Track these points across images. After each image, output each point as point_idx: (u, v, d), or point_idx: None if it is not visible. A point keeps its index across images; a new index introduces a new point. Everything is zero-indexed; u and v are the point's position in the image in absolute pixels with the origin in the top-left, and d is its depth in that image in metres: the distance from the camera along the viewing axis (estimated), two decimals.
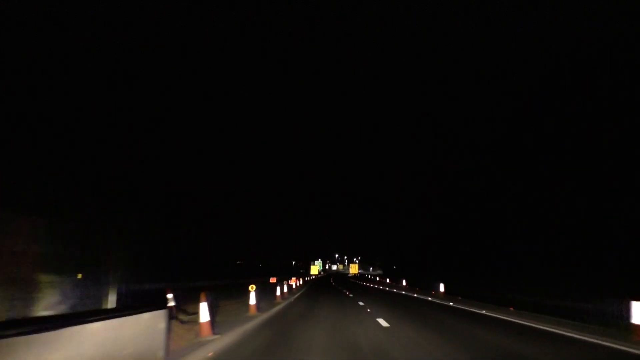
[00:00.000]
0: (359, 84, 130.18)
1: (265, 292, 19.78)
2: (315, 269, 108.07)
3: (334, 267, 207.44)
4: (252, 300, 13.12)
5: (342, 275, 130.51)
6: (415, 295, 23.90)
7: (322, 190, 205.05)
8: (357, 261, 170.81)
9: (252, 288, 13.06)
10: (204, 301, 8.19)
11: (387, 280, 49.86)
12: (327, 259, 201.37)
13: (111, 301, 9.92)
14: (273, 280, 51.23)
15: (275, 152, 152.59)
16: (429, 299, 20.38)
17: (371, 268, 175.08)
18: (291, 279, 38.50)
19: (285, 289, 23.30)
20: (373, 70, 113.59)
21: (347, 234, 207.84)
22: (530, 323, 10.70)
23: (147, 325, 5.42)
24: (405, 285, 35.64)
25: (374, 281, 62.23)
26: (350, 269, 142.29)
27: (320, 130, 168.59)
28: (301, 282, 43.01)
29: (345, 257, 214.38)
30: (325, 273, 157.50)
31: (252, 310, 12.98)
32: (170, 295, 12.05)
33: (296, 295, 24.47)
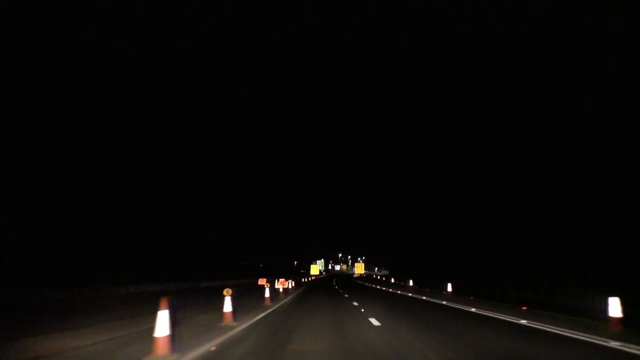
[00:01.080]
0: (360, 82, 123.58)
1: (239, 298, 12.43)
2: (315, 268, 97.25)
3: (338, 267, 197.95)
4: None
5: (347, 276, 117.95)
6: (497, 316, 10.74)
7: (324, 190, 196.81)
8: (361, 261, 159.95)
9: None
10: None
11: (410, 283, 37.13)
12: (330, 259, 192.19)
13: None
14: (262, 281, 39.33)
15: (280, 153, 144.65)
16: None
17: (376, 268, 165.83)
18: (279, 281, 27.04)
19: (231, 305, 10.56)
20: (374, 69, 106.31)
21: (351, 234, 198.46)
22: None
23: None
24: (450, 292, 22.98)
25: (386, 283, 49.83)
26: (355, 269, 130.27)
27: (322, 130, 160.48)
28: (293, 285, 31.03)
29: (349, 257, 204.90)
30: (328, 273, 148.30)
31: None
32: None
33: (267, 312, 12.02)
